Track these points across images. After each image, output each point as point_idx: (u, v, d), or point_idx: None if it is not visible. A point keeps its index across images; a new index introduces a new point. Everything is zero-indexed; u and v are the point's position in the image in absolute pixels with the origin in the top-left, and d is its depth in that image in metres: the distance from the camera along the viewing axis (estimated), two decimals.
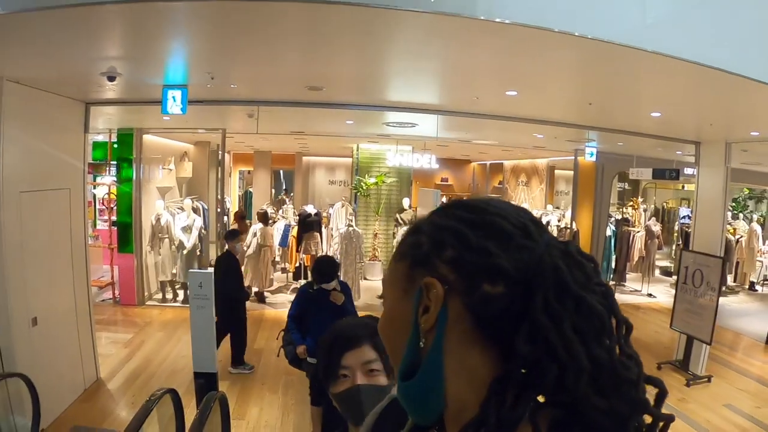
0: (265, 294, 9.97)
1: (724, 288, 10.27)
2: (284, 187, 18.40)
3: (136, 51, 3.46)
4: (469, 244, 0.66)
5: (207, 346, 4.13)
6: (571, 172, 10.58)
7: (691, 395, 6.17)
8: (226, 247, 6.57)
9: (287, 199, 15.85)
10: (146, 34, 2.99)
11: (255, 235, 9.59)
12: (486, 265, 0.65)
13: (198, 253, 9.06)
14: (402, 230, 11.29)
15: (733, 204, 13.34)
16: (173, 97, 4.12)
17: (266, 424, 5.42)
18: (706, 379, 6.48)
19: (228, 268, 6.32)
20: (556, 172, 13.59)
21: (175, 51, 3.49)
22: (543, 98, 4.93)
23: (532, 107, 5.48)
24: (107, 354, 6.59)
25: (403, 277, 0.73)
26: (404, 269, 0.73)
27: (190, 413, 4.34)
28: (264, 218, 10.14)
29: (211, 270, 4.75)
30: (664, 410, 0.65)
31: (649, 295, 10.62)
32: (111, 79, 3.75)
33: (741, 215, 12.48)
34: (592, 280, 0.66)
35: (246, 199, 16.96)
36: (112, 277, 8.81)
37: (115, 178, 8.76)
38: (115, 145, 8.49)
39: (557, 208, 12.52)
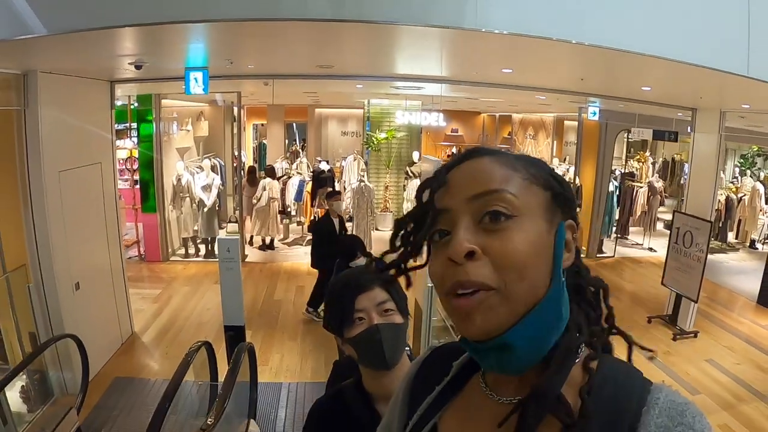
0: (275, 243, 10.57)
1: (724, 245, 10.58)
2: (296, 138, 18.67)
3: (160, 49, 3.78)
4: (574, 203, 0.77)
5: (236, 302, 4.60)
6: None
7: (676, 349, 6.51)
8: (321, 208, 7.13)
9: (301, 151, 16.13)
10: (168, 41, 3.31)
11: (264, 189, 10.07)
12: (577, 223, 0.76)
13: (217, 208, 9.55)
14: (413, 182, 11.68)
15: (741, 160, 13.30)
16: (195, 79, 4.44)
17: (287, 369, 5.92)
18: (693, 335, 6.77)
19: (331, 229, 6.85)
20: (566, 123, 13.69)
21: (195, 50, 3.80)
22: (537, 76, 5.19)
23: (528, 80, 5.73)
24: (138, 309, 7.03)
25: (544, 207, 0.72)
26: (545, 200, 0.73)
27: (220, 360, 4.89)
28: (271, 173, 10.58)
29: (237, 236, 5.15)
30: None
31: (650, 249, 10.94)
32: (138, 67, 4.08)
33: (749, 172, 12.52)
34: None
35: (260, 150, 17.29)
36: (137, 236, 9.32)
37: (135, 142, 9.12)
38: (134, 105, 8.85)
39: (563, 161, 12.71)
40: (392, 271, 0.78)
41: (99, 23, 2.57)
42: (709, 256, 6.62)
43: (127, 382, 5.48)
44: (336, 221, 7.07)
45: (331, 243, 6.52)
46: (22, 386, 4.46)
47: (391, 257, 0.79)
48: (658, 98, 6.33)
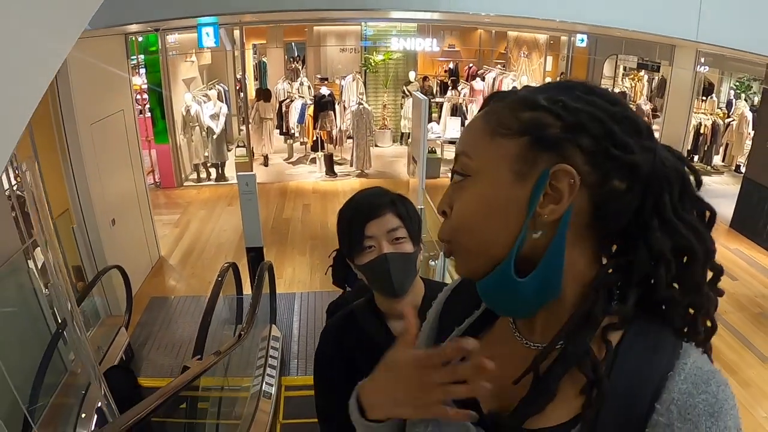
0: (269, 158, 11.42)
1: (709, 168, 10.67)
2: (296, 54, 18.75)
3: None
4: (614, 137, 0.64)
5: (255, 227, 5.33)
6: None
7: None
8: None
9: (300, 68, 16.24)
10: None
11: (256, 109, 10.78)
12: (625, 162, 0.64)
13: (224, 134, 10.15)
14: (409, 101, 12.10)
15: (737, 83, 13.20)
16: (207, 33, 4.90)
17: (299, 280, 6.74)
18: None
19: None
20: (562, 38, 13.73)
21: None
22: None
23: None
24: (162, 234, 7.66)
25: (514, 157, 0.66)
26: (517, 148, 0.66)
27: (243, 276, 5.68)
28: (263, 95, 11.23)
29: (254, 172, 5.79)
30: None
31: None
32: (155, 30, 4.57)
33: (743, 95, 12.41)
34: (699, 183, 0.69)
35: (260, 68, 17.46)
36: (151, 164, 9.94)
37: (144, 79, 9.52)
38: (140, 39, 9.16)
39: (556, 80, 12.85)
40: None
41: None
42: None
43: (162, 300, 6.28)
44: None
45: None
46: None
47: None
48: (639, 36, 6.69)
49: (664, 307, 0.68)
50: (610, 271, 0.67)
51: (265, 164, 11.20)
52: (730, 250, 7.47)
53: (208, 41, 4.93)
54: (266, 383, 4.16)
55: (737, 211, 8.13)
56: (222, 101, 10.24)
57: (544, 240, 0.66)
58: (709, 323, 0.69)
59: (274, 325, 5.23)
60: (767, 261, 7.26)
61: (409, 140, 10.18)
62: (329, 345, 1.50)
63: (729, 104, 12.02)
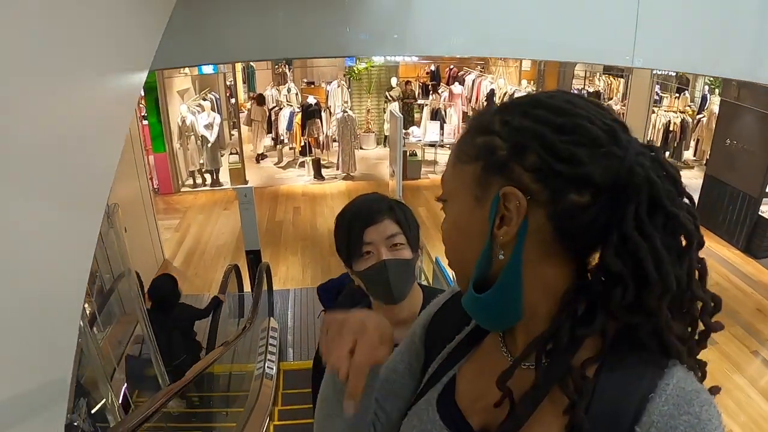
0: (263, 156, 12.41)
1: (680, 163, 10.98)
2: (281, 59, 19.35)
3: None
4: (556, 151, 0.62)
5: (253, 232, 6.03)
6: None
7: None
8: None
9: (288, 72, 16.72)
10: None
11: (249, 112, 11.82)
12: (574, 175, 0.62)
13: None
14: (392, 105, 12.76)
15: (711, 79, 13.16)
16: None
17: (292, 278, 7.42)
18: None
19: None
20: None
21: None
22: None
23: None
24: (165, 238, 8.17)
25: (473, 183, 0.68)
26: (474, 173, 0.67)
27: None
28: (256, 99, 12.15)
29: (251, 185, 6.47)
30: None
31: None
32: None
33: (717, 90, 12.47)
34: (680, 193, 0.64)
35: (248, 73, 17.99)
36: (150, 171, 10.45)
37: (142, 91, 10.09)
38: None
39: (531, 82, 13.47)
40: None
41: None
42: None
43: None
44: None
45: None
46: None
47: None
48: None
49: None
50: (575, 289, 0.66)
51: (258, 161, 12.24)
52: None
53: (207, 68, 5.57)
54: (267, 367, 4.85)
55: (700, 204, 8.49)
56: (215, 111, 10.87)
57: (506, 259, 0.66)
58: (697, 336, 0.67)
59: (272, 318, 5.92)
60: (725, 252, 7.93)
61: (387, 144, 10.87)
62: None
63: (704, 99, 12.20)
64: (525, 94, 0.77)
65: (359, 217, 1.40)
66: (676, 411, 0.59)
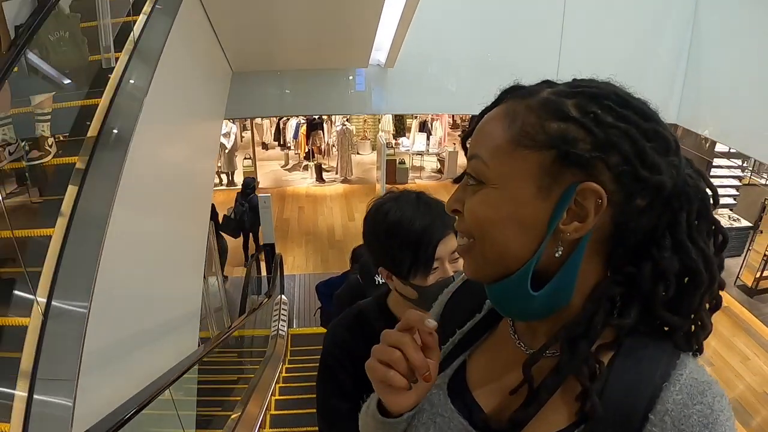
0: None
1: None
2: None
3: None
4: (644, 158, 0.61)
5: (269, 229, 7.80)
6: None
7: None
8: None
9: None
10: None
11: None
12: (653, 182, 0.61)
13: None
14: (387, 115, 14.44)
15: None
16: None
17: (298, 266, 9.01)
18: None
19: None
20: None
21: None
22: None
23: None
24: None
25: (539, 171, 0.63)
26: (542, 162, 0.63)
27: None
28: None
29: (269, 194, 8.27)
30: None
31: None
32: None
33: None
34: (716, 202, 0.66)
35: None
36: None
37: None
38: None
39: None
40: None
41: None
42: None
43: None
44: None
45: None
46: None
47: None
48: None
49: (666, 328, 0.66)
50: (613, 283, 0.65)
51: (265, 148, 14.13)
52: None
53: None
54: (281, 329, 6.64)
55: None
56: (231, 122, 12.62)
57: (564, 256, 0.64)
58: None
59: (282, 295, 7.72)
60: None
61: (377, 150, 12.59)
62: (338, 347, 1.42)
63: None
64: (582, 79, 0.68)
65: (432, 231, 1.28)
66: (690, 401, 0.60)
